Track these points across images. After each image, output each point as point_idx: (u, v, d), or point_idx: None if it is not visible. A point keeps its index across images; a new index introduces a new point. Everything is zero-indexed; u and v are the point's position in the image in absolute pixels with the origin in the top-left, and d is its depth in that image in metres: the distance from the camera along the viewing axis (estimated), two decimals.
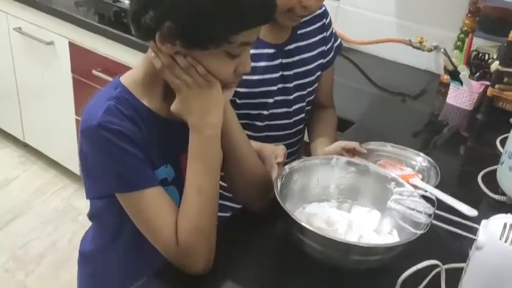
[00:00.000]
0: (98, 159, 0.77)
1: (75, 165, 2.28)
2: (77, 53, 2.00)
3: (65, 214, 2.20)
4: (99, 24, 1.86)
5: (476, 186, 1.11)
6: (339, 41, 1.26)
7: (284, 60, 1.12)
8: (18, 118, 2.44)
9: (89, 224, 0.97)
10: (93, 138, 0.75)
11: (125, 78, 0.81)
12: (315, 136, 1.19)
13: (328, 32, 1.20)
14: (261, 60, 1.08)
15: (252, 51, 1.07)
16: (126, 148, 0.74)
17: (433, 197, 0.78)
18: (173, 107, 0.79)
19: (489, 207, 1.06)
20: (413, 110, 1.56)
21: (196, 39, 0.72)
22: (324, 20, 1.19)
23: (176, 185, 0.84)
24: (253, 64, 1.06)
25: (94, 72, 1.92)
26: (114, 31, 1.81)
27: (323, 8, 1.19)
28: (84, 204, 0.85)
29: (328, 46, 1.21)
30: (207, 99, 0.77)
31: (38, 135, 2.45)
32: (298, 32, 1.14)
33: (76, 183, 2.36)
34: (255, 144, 1.00)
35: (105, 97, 0.77)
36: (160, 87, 0.81)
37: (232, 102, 0.98)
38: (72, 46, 2.00)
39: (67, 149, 2.26)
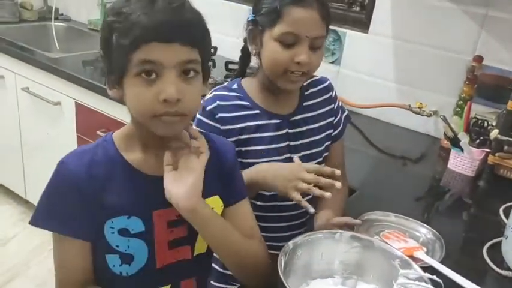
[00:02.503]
0: (45, 191, 0.83)
1: None
2: (83, 113, 2.03)
3: None
4: (105, 87, 1.89)
5: (482, 259, 1.09)
6: (346, 112, 1.27)
7: (290, 130, 1.13)
8: (21, 175, 2.45)
9: None
10: (54, 171, 0.82)
11: (115, 132, 0.89)
12: (319, 208, 1.19)
13: (336, 105, 1.23)
14: (267, 130, 1.10)
15: (259, 122, 1.10)
16: (67, 193, 0.80)
17: (440, 281, 0.76)
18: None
19: (496, 284, 1.04)
20: (415, 175, 1.57)
21: (112, 67, 0.79)
22: (331, 93, 1.22)
23: (145, 239, 0.85)
24: (259, 135, 1.09)
25: (98, 132, 1.95)
26: None
27: (328, 82, 1.22)
28: None
29: (337, 118, 1.23)
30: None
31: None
32: (305, 103, 1.17)
33: None
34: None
35: (93, 144, 0.86)
36: (140, 141, 0.86)
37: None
38: (79, 106, 2.04)
39: None
